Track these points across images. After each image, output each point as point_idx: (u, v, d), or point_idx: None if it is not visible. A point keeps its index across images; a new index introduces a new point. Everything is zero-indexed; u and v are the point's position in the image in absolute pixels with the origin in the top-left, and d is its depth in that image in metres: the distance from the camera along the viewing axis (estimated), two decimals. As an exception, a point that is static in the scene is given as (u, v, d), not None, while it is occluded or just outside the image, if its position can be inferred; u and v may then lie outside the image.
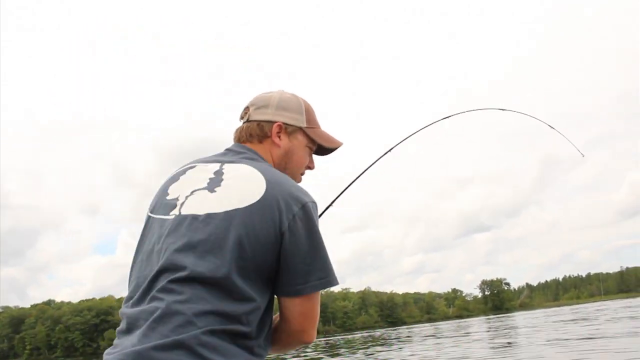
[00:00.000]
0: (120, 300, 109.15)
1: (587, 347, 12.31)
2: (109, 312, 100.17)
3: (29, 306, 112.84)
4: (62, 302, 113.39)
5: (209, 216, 1.18)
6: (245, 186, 1.22)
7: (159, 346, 1.03)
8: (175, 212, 1.24)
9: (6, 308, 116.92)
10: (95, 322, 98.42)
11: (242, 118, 1.46)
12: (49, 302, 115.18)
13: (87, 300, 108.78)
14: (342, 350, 24.78)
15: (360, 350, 22.69)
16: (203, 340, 1.05)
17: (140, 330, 1.08)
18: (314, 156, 1.52)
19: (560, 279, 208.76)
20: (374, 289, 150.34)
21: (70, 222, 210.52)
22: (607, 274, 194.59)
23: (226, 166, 1.31)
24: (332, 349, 26.31)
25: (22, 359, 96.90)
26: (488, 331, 28.19)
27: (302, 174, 1.49)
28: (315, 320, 1.28)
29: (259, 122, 1.41)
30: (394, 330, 62.55)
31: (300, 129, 1.43)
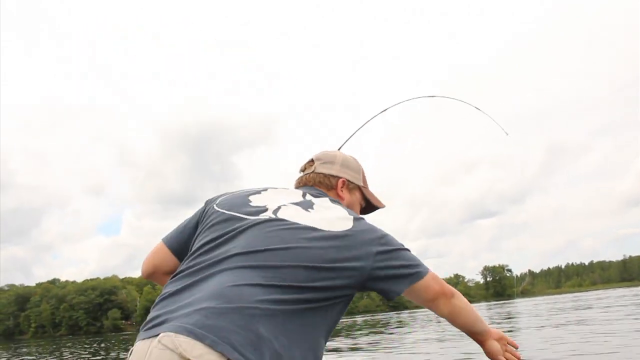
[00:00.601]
0: (124, 280, 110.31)
1: (582, 334, 12.36)
2: (113, 291, 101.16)
3: (34, 285, 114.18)
4: (66, 281, 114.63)
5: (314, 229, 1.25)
6: (334, 215, 1.31)
7: None
8: (269, 214, 1.31)
9: (12, 286, 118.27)
10: (99, 301, 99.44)
11: (304, 169, 1.61)
12: (53, 281, 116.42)
13: (91, 280, 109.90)
14: (343, 333, 24.98)
15: (360, 333, 22.87)
16: None
17: None
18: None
19: (563, 267, 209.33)
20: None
21: (74, 202, 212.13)
22: (610, 262, 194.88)
23: (309, 196, 1.43)
24: (334, 333, 26.47)
25: (28, 336, 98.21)
26: (488, 318, 28.31)
27: None
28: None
29: (325, 175, 1.55)
30: (396, 314, 62.99)
31: (359, 187, 1.60)
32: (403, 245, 1.32)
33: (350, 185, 1.57)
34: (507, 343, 1.51)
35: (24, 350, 37.33)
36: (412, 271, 1.30)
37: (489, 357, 1.48)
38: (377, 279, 1.25)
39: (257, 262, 1.15)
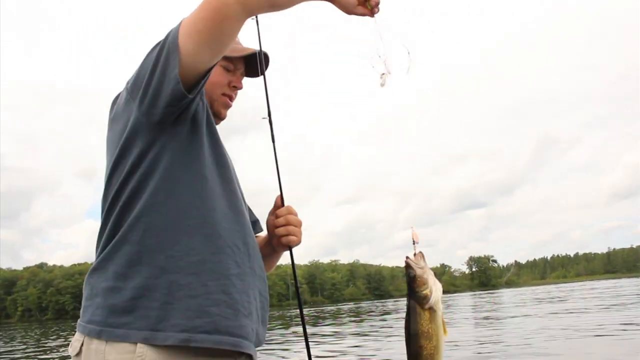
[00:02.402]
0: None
1: (562, 322, 12.74)
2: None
3: (22, 269, 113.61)
4: (54, 266, 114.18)
5: None
6: None
7: None
8: None
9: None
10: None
11: None
12: (41, 265, 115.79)
13: (79, 265, 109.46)
14: (328, 321, 25.31)
15: (346, 320, 23.21)
16: None
17: None
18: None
19: (549, 258, 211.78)
20: (365, 262, 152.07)
21: (64, 186, 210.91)
22: (594, 254, 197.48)
23: None
24: (318, 319, 26.85)
25: (14, 320, 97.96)
26: (472, 306, 28.81)
27: (227, 95, 1.46)
28: None
29: None
30: (380, 303, 63.57)
31: None
32: None
33: None
34: None
35: (10, 332, 37.26)
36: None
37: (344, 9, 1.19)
38: None
39: None
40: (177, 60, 1.12)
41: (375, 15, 1.12)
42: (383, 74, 1.12)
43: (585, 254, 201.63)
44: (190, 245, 1.18)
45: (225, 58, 1.41)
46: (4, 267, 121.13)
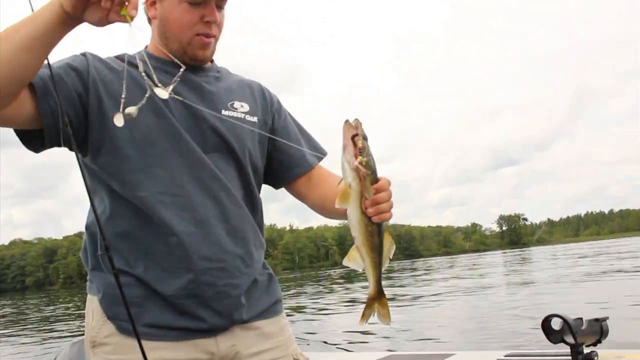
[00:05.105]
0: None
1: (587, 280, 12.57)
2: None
3: (62, 238, 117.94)
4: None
5: None
6: None
7: None
8: None
9: (40, 239, 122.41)
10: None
11: None
12: (79, 234, 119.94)
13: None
14: (361, 278, 25.63)
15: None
16: None
17: None
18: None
19: (583, 215, 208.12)
20: (400, 222, 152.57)
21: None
22: (629, 210, 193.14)
23: None
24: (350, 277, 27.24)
25: (57, 287, 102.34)
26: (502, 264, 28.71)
27: (201, 33, 1.21)
28: None
29: None
30: (410, 262, 63.95)
31: None
32: None
33: None
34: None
35: (52, 298, 38.97)
36: None
37: None
38: None
39: None
40: None
41: (132, 20, 0.98)
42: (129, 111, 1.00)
43: (620, 211, 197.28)
44: None
45: None
46: (45, 236, 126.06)
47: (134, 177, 1.15)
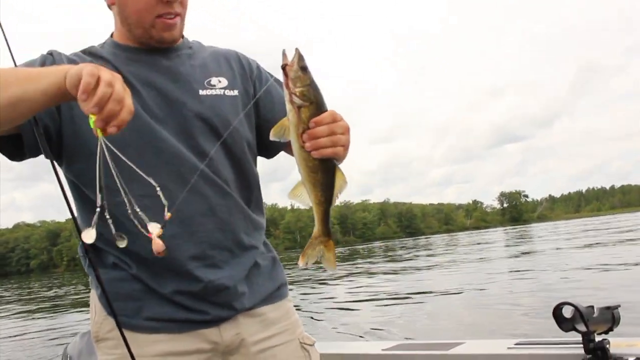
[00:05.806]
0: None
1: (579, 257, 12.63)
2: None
3: (64, 220, 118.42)
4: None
5: None
6: None
7: None
8: None
9: (43, 222, 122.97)
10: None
11: None
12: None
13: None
14: (361, 257, 25.80)
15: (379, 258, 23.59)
16: None
17: None
18: None
19: (584, 191, 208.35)
20: (399, 200, 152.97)
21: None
22: (630, 186, 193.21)
23: None
24: (351, 257, 27.43)
25: (61, 270, 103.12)
26: (505, 241, 28.85)
27: (162, 15, 1.13)
28: None
29: None
30: (412, 240, 64.30)
31: None
32: None
33: None
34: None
35: (56, 281, 39.27)
36: None
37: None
38: None
39: None
40: None
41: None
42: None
43: (622, 187, 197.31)
44: None
45: None
46: (48, 219, 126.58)
47: (111, 183, 0.98)
